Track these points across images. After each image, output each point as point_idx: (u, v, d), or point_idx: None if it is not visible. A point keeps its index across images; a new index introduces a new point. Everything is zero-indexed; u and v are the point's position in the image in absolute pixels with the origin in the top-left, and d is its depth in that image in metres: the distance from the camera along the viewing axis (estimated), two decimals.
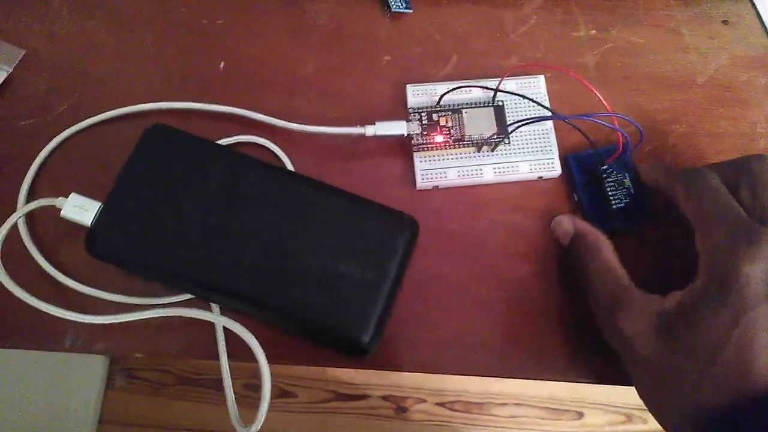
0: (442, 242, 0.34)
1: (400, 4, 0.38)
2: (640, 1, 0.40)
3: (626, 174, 0.33)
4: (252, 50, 0.38)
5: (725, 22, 0.39)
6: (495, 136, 0.34)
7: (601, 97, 0.31)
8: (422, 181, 0.34)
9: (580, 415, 1.04)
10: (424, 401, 1.05)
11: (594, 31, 0.39)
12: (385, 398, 1.05)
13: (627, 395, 1.03)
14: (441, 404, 1.04)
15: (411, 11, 0.39)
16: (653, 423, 1.05)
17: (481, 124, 0.35)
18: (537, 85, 0.36)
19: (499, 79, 0.35)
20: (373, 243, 0.31)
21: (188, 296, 0.32)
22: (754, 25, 0.39)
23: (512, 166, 0.34)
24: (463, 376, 0.32)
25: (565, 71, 0.34)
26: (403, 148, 0.36)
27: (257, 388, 0.29)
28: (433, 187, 0.35)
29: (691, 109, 0.37)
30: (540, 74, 0.36)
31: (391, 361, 0.32)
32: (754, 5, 0.39)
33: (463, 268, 0.34)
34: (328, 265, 0.31)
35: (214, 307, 0.32)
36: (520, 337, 0.32)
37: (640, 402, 0.28)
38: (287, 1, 0.39)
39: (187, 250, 0.31)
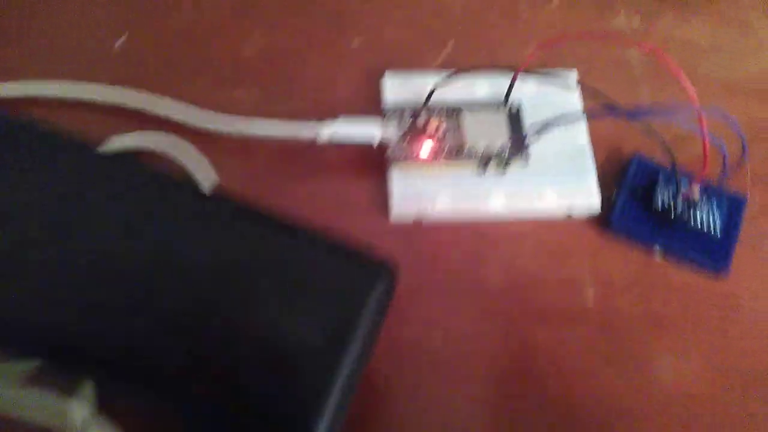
0: (429, 293, 0.23)
1: None
2: None
3: (716, 205, 0.23)
4: (171, 22, 0.27)
5: None
6: (507, 150, 0.24)
7: (687, 85, 0.20)
8: (399, 209, 0.23)
9: None
10: None
11: (638, 20, 0.29)
12: None
13: None
14: None
15: None
16: None
17: (487, 133, 0.24)
18: (566, 84, 0.26)
19: (514, 71, 0.24)
20: (331, 297, 0.20)
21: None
22: None
23: (530, 195, 0.24)
24: None
25: (643, 46, 0.24)
26: (375, 162, 0.25)
27: None
28: (416, 219, 0.24)
29: None
30: (572, 68, 0.26)
31: None
32: None
33: (458, 328, 0.22)
34: (263, 327, 0.20)
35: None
36: (531, 426, 0.21)
37: None
38: None
39: (34, 296, 0.19)
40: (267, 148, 0.25)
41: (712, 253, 0.23)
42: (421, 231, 0.24)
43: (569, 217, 0.24)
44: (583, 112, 0.25)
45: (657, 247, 0.24)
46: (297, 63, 0.27)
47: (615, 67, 0.28)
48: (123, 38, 0.27)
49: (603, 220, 0.24)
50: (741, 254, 0.24)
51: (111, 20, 0.27)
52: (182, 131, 0.24)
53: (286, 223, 0.21)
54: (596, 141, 0.25)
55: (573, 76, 0.26)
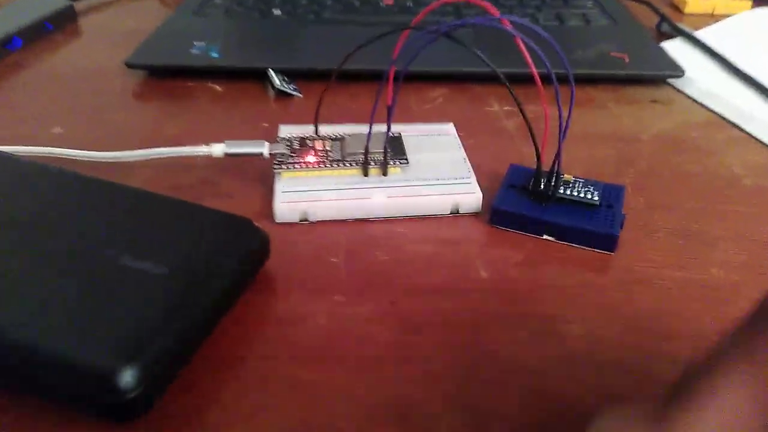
0: (313, 278, 0.22)
1: (284, 84, 0.34)
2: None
3: (592, 186, 0.25)
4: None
5: (655, 101, 0.35)
6: (386, 155, 0.25)
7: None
8: (283, 204, 0.24)
9: None
10: None
11: (509, 108, 0.34)
12: None
13: None
14: None
15: (299, 95, 0.34)
16: None
17: (370, 146, 0.26)
18: (446, 133, 0.29)
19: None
20: (188, 245, 0.20)
21: None
22: (686, 102, 0.35)
23: (413, 193, 0.25)
24: None
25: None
26: (263, 177, 0.26)
27: None
28: (302, 218, 0.24)
29: (644, 157, 0.29)
30: (449, 122, 0.30)
31: None
32: (678, 90, 0.36)
33: (340, 306, 0.21)
34: (98, 258, 0.19)
35: None
36: (426, 415, 0.18)
37: None
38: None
39: None
40: (164, 175, 0.27)
41: (597, 220, 0.23)
42: (307, 232, 0.24)
43: (456, 213, 0.25)
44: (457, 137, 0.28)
45: (545, 236, 0.24)
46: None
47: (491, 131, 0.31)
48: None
49: (488, 217, 0.25)
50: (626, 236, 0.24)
51: None
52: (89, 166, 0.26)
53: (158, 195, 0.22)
54: (474, 164, 0.27)
55: (451, 129, 0.29)
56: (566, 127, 0.22)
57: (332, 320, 0.20)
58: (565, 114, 0.22)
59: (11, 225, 0.20)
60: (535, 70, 0.21)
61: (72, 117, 0.32)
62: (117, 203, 0.21)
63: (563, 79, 0.21)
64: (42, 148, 0.26)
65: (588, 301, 0.21)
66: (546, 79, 0.21)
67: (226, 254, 0.20)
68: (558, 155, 0.23)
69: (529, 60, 0.21)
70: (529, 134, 0.23)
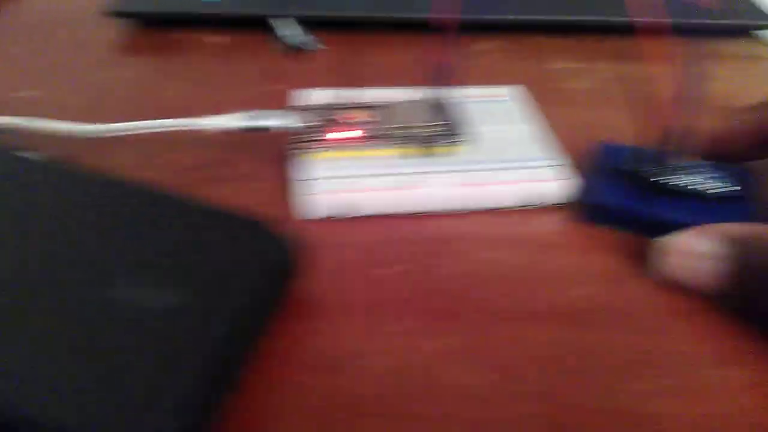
0: (362, 298, 0.16)
1: (302, 39, 0.28)
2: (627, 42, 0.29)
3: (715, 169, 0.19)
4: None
5: (751, 57, 0.29)
6: (448, 130, 0.20)
7: None
8: (316, 194, 0.18)
9: None
10: None
11: (580, 64, 0.28)
12: None
13: None
14: None
15: (322, 48, 0.28)
16: None
17: (421, 118, 0.20)
18: (511, 98, 0.23)
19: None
20: (202, 263, 0.14)
21: None
22: None
23: (483, 179, 0.19)
24: None
25: None
26: (280, 157, 0.20)
27: None
28: (338, 213, 0.18)
29: None
30: (514, 85, 0.24)
31: None
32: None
33: (405, 338, 0.15)
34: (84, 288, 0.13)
35: None
36: None
37: None
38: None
39: None
40: (157, 152, 0.21)
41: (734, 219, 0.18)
42: (341, 228, 0.18)
43: (535, 205, 0.19)
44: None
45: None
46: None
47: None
48: None
49: (580, 208, 0.19)
50: None
51: None
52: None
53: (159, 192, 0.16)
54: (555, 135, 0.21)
55: (516, 89, 0.23)
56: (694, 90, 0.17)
57: (397, 360, 0.15)
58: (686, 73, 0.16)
59: None
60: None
61: (46, 76, 0.25)
62: (95, 202, 0.16)
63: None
64: (8, 117, 0.20)
65: None
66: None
67: (244, 274, 0.14)
68: (681, 131, 0.17)
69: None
70: (597, 99, 0.17)
